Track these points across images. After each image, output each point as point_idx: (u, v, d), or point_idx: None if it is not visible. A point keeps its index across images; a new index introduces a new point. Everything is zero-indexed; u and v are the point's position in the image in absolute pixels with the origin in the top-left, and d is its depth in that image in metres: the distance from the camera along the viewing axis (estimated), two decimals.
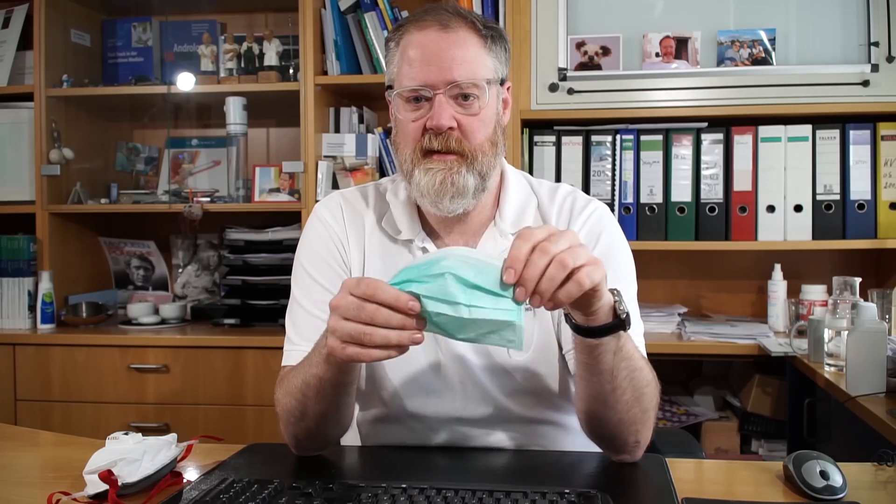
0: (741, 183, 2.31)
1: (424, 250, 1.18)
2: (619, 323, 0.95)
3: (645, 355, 1.14)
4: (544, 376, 1.17)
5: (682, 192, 2.33)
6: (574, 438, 1.21)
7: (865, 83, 2.29)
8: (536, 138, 2.39)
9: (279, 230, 2.47)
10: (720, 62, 2.37)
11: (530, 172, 2.33)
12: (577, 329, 0.97)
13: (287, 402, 1.09)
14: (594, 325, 0.95)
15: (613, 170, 2.34)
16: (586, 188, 2.35)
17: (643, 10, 2.42)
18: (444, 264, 0.87)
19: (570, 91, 2.40)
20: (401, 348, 0.89)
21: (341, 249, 1.22)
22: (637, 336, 1.15)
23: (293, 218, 2.46)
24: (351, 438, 1.26)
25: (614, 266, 1.18)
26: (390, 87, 1.16)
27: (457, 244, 1.18)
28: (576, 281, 0.86)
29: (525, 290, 0.85)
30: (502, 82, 1.16)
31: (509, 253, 0.87)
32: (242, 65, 2.53)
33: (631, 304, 1.17)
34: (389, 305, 0.87)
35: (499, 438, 1.18)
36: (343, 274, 1.21)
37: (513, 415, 1.18)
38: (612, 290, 0.96)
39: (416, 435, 1.19)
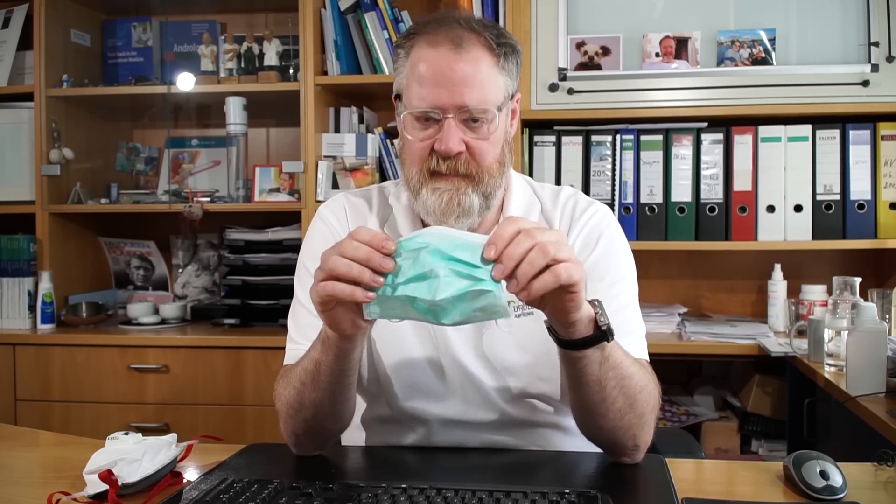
0: (741, 183, 2.31)
1: None
2: (601, 335, 0.95)
3: (647, 358, 1.14)
4: (545, 380, 1.17)
5: (682, 192, 2.33)
6: (576, 441, 1.21)
7: (865, 83, 2.29)
8: (536, 138, 2.39)
9: (279, 230, 2.47)
10: (720, 62, 2.37)
11: (530, 173, 2.34)
12: (560, 342, 0.97)
13: (286, 393, 1.10)
14: (574, 337, 0.95)
15: (613, 170, 2.34)
16: (586, 188, 2.35)
17: (643, 10, 2.42)
18: (420, 240, 0.87)
19: (570, 91, 2.40)
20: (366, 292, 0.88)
21: None
22: (638, 339, 1.15)
23: (293, 218, 2.46)
24: (356, 438, 1.26)
25: (615, 268, 1.18)
26: (398, 96, 1.15)
27: None
28: (553, 272, 0.85)
29: (504, 268, 0.85)
30: (512, 96, 1.14)
31: (495, 230, 0.87)
32: (242, 65, 2.53)
33: (631, 307, 1.17)
34: (366, 242, 0.88)
35: (500, 440, 1.19)
36: None
37: (514, 419, 1.19)
38: (592, 302, 0.95)
39: (419, 436, 1.20)
